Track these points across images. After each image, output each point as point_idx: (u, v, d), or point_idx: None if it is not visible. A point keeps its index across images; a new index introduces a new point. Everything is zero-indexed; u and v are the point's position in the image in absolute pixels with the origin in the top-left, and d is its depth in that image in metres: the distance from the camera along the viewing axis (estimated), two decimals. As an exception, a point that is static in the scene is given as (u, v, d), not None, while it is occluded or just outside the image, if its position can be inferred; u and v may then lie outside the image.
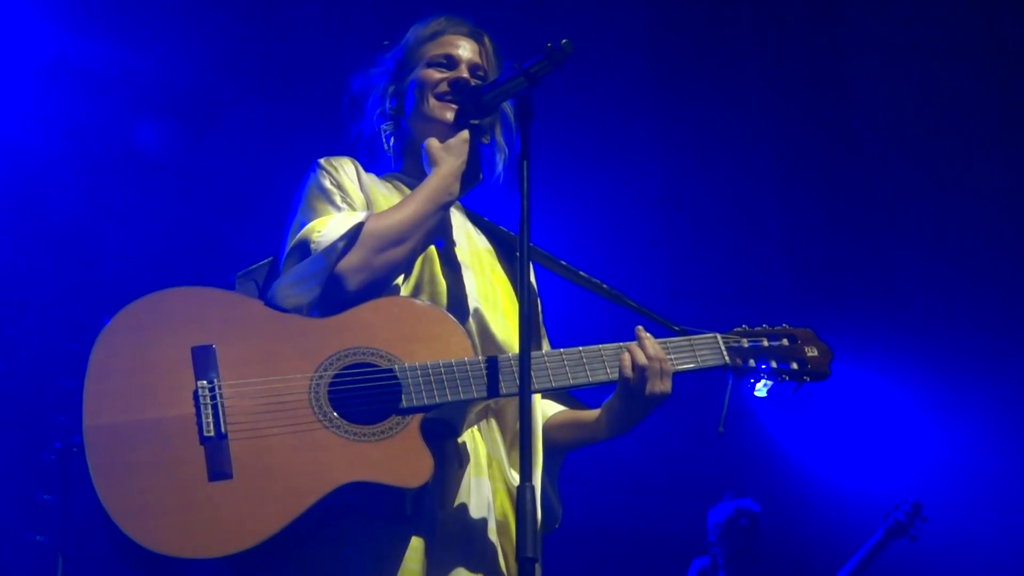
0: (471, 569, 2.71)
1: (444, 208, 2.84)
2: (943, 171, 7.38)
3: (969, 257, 7.31)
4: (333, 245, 2.69)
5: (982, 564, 7.03)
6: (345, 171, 2.91)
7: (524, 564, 2.38)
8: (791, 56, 7.56)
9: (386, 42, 3.15)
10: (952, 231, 7.36)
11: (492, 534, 2.77)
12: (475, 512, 2.76)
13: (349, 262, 2.71)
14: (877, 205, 7.58)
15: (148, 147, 5.83)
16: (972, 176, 7.32)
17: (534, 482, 2.78)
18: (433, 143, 2.88)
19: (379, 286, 2.75)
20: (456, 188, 2.84)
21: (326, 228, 2.73)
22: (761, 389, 8.21)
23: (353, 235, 2.71)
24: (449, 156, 2.85)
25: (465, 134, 2.88)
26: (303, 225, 2.79)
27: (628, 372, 2.76)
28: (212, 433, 2.55)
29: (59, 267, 5.70)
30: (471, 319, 2.85)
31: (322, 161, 2.93)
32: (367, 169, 3.01)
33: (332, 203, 2.83)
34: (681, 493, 7.07)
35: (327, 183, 2.87)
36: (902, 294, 7.47)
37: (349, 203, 2.84)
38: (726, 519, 6.15)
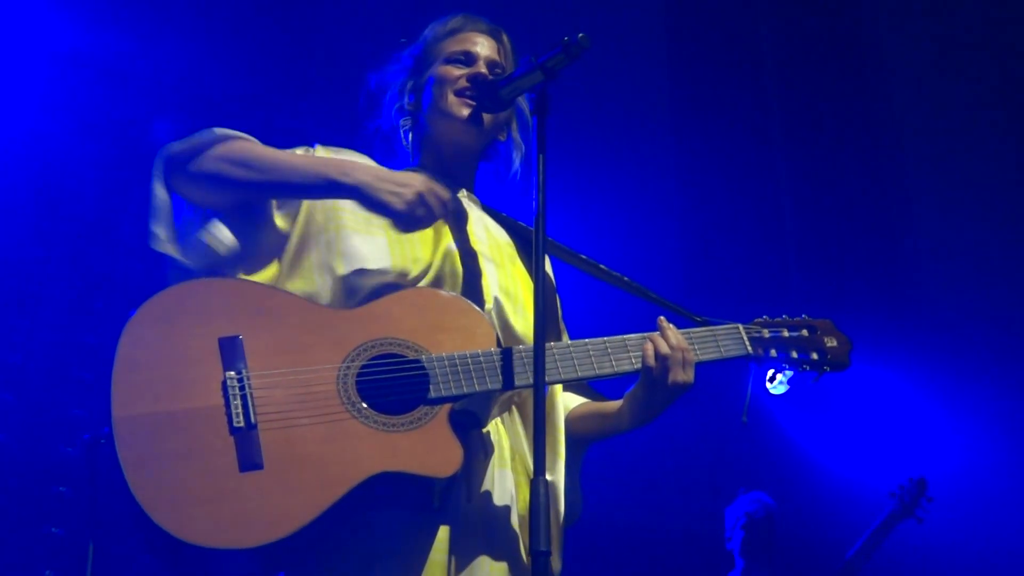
0: (494, 558, 2.72)
1: (314, 187, 2.79)
2: (958, 163, 7.35)
3: (984, 252, 7.29)
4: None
5: (997, 559, 7.00)
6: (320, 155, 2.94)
7: (537, 558, 2.38)
8: (807, 49, 7.54)
9: (403, 39, 3.16)
10: (967, 227, 7.34)
11: (515, 527, 2.78)
12: (498, 503, 2.77)
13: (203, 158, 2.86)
14: (894, 199, 7.55)
15: (164, 140, 5.83)
16: (989, 170, 7.29)
17: (556, 475, 2.82)
18: (416, 179, 2.75)
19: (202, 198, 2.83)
20: (344, 182, 2.75)
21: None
22: (778, 387, 8.16)
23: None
24: (392, 185, 2.73)
25: (443, 200, 2.75)
26: None
27: (651, 361, 2.78)
28: (242, 424, 2.55)
29: (75, 260, 5.71)
30: (492, 311, 2.86)
31: (317, 146, 2.99)
32: (384, 164, 3.03)
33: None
34: (696, 490, 7.06)
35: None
36: (917, 288, 7.45)
37: None
38: (743, 513, 6.16)
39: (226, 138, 2.84)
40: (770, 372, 7.48)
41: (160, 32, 5.83)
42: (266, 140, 5.94)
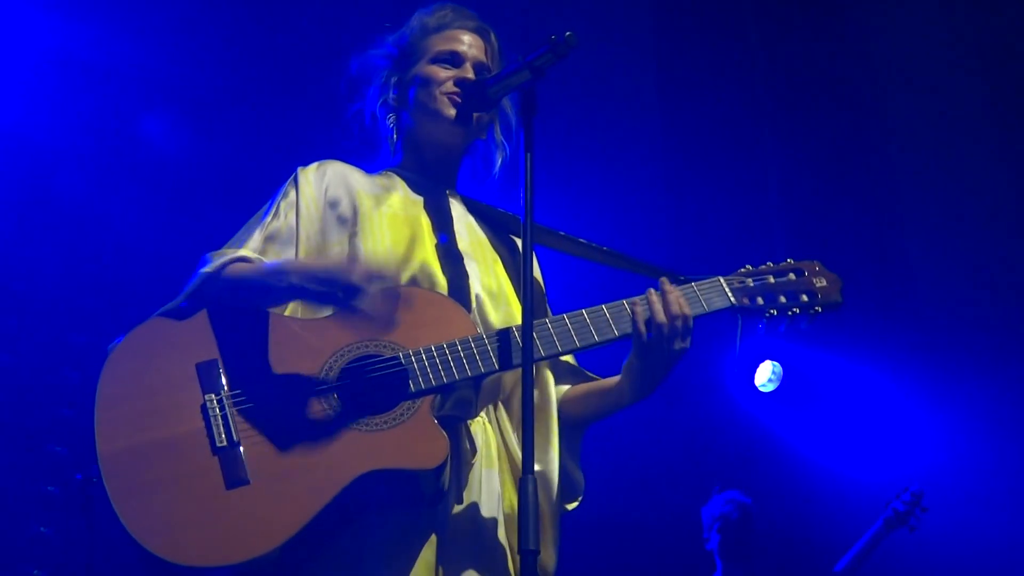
0: (482, 564, 2.71)
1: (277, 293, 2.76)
2: (952, 157, 7.35)
3: (971, 249, 7.29)
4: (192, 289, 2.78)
5: (981, 557, 7.02)
6: (304, 191, 2.93)
7: (525, 557, 2.39)
8: (796, 21, 7.52)
9: (387, 24, 3.14)
10: (957, 223, 7.34)
11: (500, 527, 2.78)
12: (485, 504, 2.77)
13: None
14: (883, 194, 7.55)
15: (153, 139, 5.83)
16: (980, 166, 7.29)
17: (548, 464, 2.82)
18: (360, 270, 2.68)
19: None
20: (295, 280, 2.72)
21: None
22: (767, 384, 8.12)
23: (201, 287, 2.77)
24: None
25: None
26: (255, 225, 2.90)
27: (641, 327, 2.73)
28: (224, 443, 2.57)
29: (63, 259, 5.69)
30: (475, 310, 2.85)
31: (299, 173, 2.97)
32: (363, 163, 3.03)
33: (252, 232, 2.90)
34: (685, 488, 7.06)
35: (280, 207, 2.92)
36: (906, 285, 7.45)
37: (257, 239, 2.88)
38: (718, 514, 6.15)
39: (215, 277, 2.80)
40: (758, 371, 7.42)
41: (147, 29, 5.81)
42: (254, 135, 5.95)
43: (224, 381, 2.64)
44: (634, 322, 2.73)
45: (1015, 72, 7.19)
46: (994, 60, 7.23)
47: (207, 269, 2.78)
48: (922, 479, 6.30)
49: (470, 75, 2.98)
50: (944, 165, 7.37)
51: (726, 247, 7.32)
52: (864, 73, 7.52)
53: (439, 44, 3.04)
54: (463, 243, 2.95)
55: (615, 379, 2.90)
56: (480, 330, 2.79)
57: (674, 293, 2.75)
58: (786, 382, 7.04)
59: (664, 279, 2.79)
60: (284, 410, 2.62)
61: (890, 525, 6.11)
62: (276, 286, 2.74)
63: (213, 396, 2.62)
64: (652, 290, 2.77)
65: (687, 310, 2.74)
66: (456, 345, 2.69)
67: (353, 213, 2.89)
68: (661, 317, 2.72)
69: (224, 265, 2.78)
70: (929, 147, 7.40)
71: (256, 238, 2.89)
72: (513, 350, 2.68)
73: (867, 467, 7.15)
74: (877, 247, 7.50)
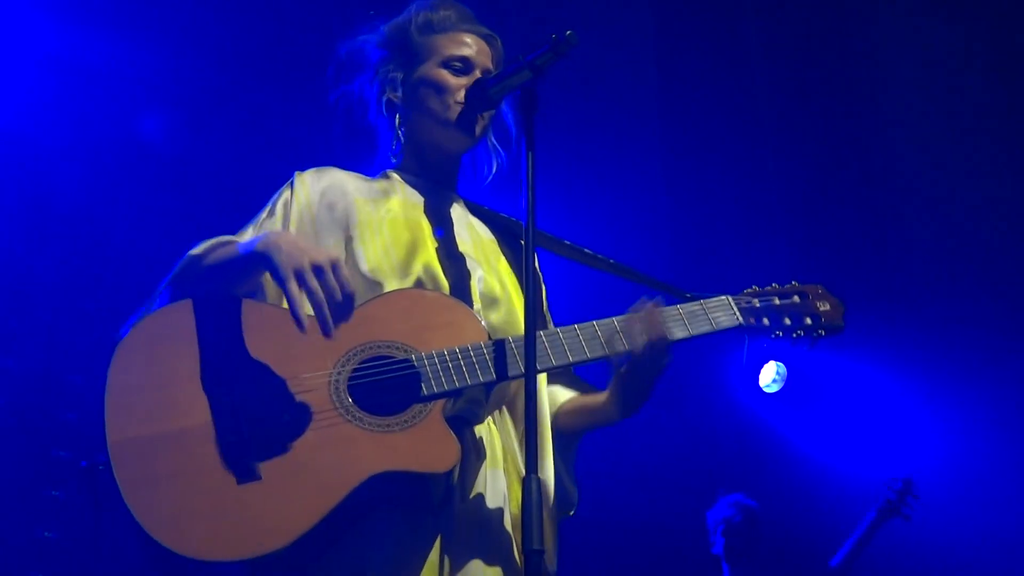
0: (487, 562, 2.71)
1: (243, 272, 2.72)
2: (952, 157, 7.35)
3: (973, 249, 7.29)
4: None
5: (980, 554, 7.01)
6: (300, 193, 2.92)
7: (530, 557, 2.38)
8: (794, 26, 7.52)
9: (372, 12, 3.12)
10: (958, 224, 7.34)
11: (508, 526, 2.78)
12: (491, 504, 2.77)
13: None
14: (885, 194, 7.55)
15: (153, 140, 5.83)
16: (981, 167, 7.29)
17: (544, 472, 2.82)
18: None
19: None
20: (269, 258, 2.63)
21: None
22: (771, 385, 8.12)
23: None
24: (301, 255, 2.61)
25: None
26: (249, 224, 2.92)
27: (616, 350, 2.77)
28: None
29: (64, 262, 5.70)
30: (479, 312, 2.84)
31: (296, 177, 2.96)
32: (360, 166, 3.02)
33: (247, 229, 2.91)
34: (685, 488, 7.06)
35: (275, 206, 2.92)
36: (907, 287, 7.44)
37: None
38: (722, 518, 6.15)
39: (195, 260, 2.80)
40: (762, 371, 7.44)
41: (145, 31, 5.82)
42: (254, 136, 5.96)
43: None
44: (631, 340, 2.76)
45: (1016, 72, 7.19)
46: (997, 63, 7.23)
47: (194, 251, 2.78)
48: (927, 478, 6.29)
49: None
50: (944, 165, 7.37)
51: (727, 251, 7.33)
52: (866, 75, 7.53)
53: (449, 47, 3.00)
54: (465, 245, 2.95)
55: (602, 396, 2.92)
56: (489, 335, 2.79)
57: (651, 316, 2.77)
58: (790, 383, 7.04)
59: (643, 300, 2.81)
60: (296, 407, 2.61)
61: (883, 515, 6.12)
62: (250, 257, 2.68)
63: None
64: (632, 314, 2.79)
65: (663, 333, 2.76)
66: (469, 351, 2.69)
67: (349, 219, 2.88)
68: (636, 342, 2.75)
69: (211, 248, 2.78)
70: (930, 147, 7.40)
71: (248, 232, 2.89)
72: (521, 359, 2.68)
73: (872, 467, 7.14)
74: (880, 248, 7.50)
